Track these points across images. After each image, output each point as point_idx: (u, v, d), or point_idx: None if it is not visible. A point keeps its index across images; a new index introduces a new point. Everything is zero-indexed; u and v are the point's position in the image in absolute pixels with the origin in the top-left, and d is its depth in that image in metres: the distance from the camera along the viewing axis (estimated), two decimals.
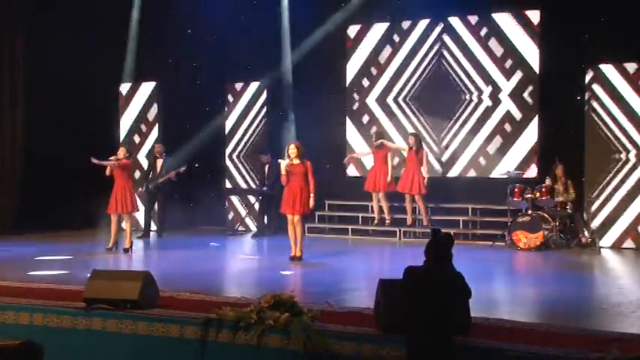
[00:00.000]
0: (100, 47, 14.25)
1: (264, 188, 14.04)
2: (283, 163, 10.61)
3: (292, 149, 10.64)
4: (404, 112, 14.37)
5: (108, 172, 11.81)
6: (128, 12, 14.86)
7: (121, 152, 11.90)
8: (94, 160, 11.61)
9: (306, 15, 14.01)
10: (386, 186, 13.21)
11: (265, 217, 14.23)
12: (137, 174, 14.56)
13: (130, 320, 6.97)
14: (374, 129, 14.16)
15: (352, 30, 14.78)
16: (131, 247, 11.87)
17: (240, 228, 14.66)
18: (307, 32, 14.37)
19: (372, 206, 13.64)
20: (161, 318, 6.92)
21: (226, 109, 15.07)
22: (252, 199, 14.65)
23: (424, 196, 13.03)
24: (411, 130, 14.02)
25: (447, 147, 14.03)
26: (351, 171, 14.81)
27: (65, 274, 9.58)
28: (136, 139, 15.23)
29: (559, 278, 9.69)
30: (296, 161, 10.59)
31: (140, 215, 13.90)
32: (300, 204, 10.60)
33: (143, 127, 15.23)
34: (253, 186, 14.69)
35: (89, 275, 7.48)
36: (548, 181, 12.14)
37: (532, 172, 13.19)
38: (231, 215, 14.93)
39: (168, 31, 14.59)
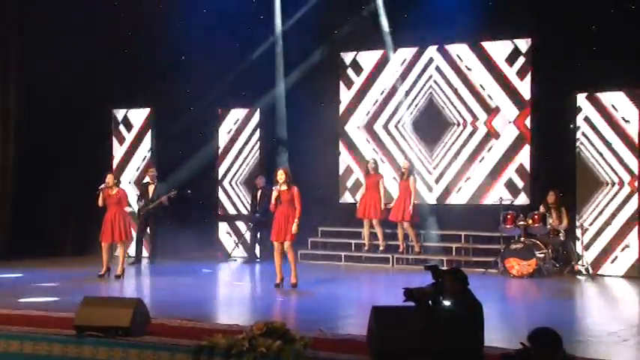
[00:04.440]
0: (93, 73, 14.32)
1: (256, 214, 14.05)
2: (274, 190, 10.63)
3: (280, 175, 10.64)
4: (395, 139, 14.45)
5: (100, 202, 11.86)
6: (123, 38, 14.95)
7: (110, 179, 11.92)
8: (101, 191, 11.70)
9: (299, 41, 14.13)
10: (379, 213, 13.28)
11: (257, 244, 14.23)
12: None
13: (121, 348, 6.93)
14: (371, 156, 14.17)
15: (345, 56, 14.89)
16: (123, 274, 11.86)
17: (232, 254, 14.65)
18: (301, 58, 14.49)
19: (362, 233, 13.68)
20: (152, 345, 6.90)
21: (219, 134, 15.12)
22: (243, 226, 14.65)
23: (413, 223, 13.12)
24: (402, 156, 14.12)
25: (439, 174, 14.09)
26: (344, 197, 14.86)
27: (56, 301, 9.56)
28: (129, 164, 15.25)
29: (551, 305, 9.72)
30: (283, 187, 10.58)
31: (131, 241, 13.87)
32: (286, 231, 10.56)
33: (136, 153, 15.25)
34: (245, 213, 14.70)
35: (80, 302, 7.48)
36: (541, 209, 12.22)
37: (524, 199, 13.25)
38: (223, 242, 14.93)
39: (161, 58, 14.67)
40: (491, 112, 13.70)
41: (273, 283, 10.78)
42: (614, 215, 12.12)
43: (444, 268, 5.89)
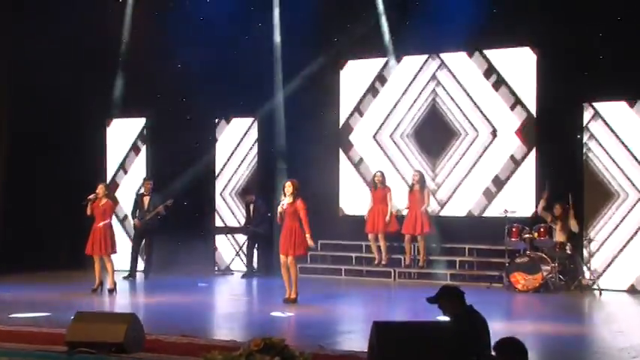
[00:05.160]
0: (87, 82, 14.33)
1: (251, 227, 14.02)
2: (281, 203, 10.61)
3: (288, 187, 10.64)
4: (399, 149, 14.43)
5: (89, 212, 11.81)
6: (116, 46, 14.96)
7: (100, 190, 11.87)
8: (88, 202, 11.65)
9: (298, 49, 14.11)
10: (385, 226, 13.24)
11: (255, 257, 14.20)
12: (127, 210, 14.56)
13: None
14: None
15: (346, 65, 14.88)
16: (115, 287, 11.80)
17: (230, 268, 14.59)
18: (300, 67, 14.47)
19: (366, 246, 13.68)
20: None
21: (216, 145, 15.10)
22: (241, 238, 14.61)
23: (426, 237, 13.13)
24: (406, 166, 14.10)
25: (441, 185, 14.05)
26: (345, 209, 14.82)
27: (47, 316, 9.49)
28: (123, 175, 15.22)
29: (559, 321, 9.66)
30: (289, 200, 10.58)
31: (126, 254, 13.82)
32: (292, 245, 10.56)
33: (131, 163, 15.23)
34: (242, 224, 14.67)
35: (72, 317, 7.42)
36: (548, 219, 12.18)
37: (530, 211, 13.21)
38: (220, 254, 14.88)
39: (157, 66, 14.66)
40: (495, 121, 13.67)
41: (282, 298, 10.75)
42: (622, 227, 12.08)
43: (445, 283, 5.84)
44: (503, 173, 13.60)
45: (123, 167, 15.30)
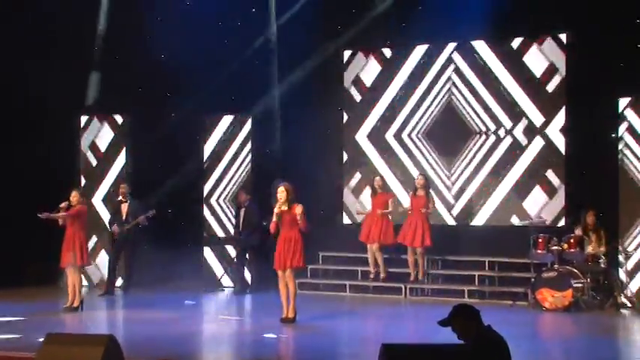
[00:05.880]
0: (56, 72, 14.29)
1: (241, 237, 14.04)
2: (275, 211, 10.59)
3: (281, 192, 10.59)
4: (408, 150, 14.46)
5: (61, 221, 11.82)
6: (91, 33, 14.95)
7: (74, 197, 11.88)
8: (43, 215, 11.63)
9: (297, 39, 14.10)
10: (379, 237, 13.27)
11: (247, 271, 14.21)
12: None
13: None
14: (377, 173, 14.10)
15: (350, 56, 14.90)
16: (81, 304, 11.82)
17: (220, 283, 14.60)
18: (299, 58, 14.48)
19: (367, 258, 13.67)
20: None
21: (205, 145, 15.11)
22: (232, 250, 14.60)
23: (427, 250, 13.10)
24: (414, 170, 14.13)
25: (458, 191, 14.06)
26: (348, 218, 14.82)
27: (16, 339, 9.48)
28: (103, 180, 15.22)
29: (591, 344, 9.64)
30: (284, 207, 10.56)
31: (103, 268, 13.81)
32: (290, 256, 10.55)
33: (105, 166, 15.22)
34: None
35: (43, 340, 7.40)
36: (577, 231, 12.16)
37: (558, 219, 13.18)
38: (209, 268, 14.87)
39: (138, 56, 14.65)
40: (519, 119, 13.67)
41: (279, 317, 10.74)
42: None
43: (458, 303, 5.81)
44: (527, 177, 13.60)
45: (100, 171, 15.26)
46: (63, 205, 11.80)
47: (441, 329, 6.00)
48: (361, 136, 14.81)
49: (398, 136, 14.55)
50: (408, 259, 13.32)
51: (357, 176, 14.82)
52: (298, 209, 10.47)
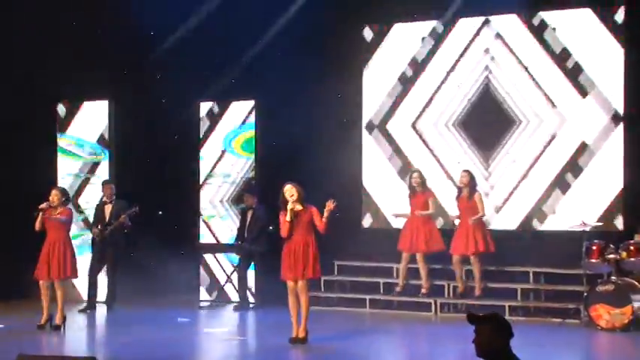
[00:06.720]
0: (33, 53, 14.31)
1: (245, 244, 14.06)
2: (289, 208, 10.54)
3: (291, 190, 10.61)
4: (438, 142, 14.44)
5: (38, 226, 11.83)
6: (69, 6, 14.92)
7: (55, 196, 11.90)
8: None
9: (310, 12, 14.11)
10: (425, 245, 13.18)
11: (250, 284, 14.21)
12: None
13: None
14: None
15: (371, 32, 14.87)
16: (64, 323, 11.81)
17: (219, 297, 14.56)
18: (311, 35, 14.37)
19: (397, 268, 13.64)
20: None
21: (201, 136, 15.05)
22: (234, 258, 14.57)
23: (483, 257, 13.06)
24: (445, 163, 14.19)
25: (495, 189, 14.02)
26: (368, 220, 14.82)
27: None
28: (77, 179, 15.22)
29: None
30: (299, 207, 10.58)
31: (82, 280, 13.76)
32: (305, 265, 10.57)
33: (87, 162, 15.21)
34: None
35: None
36: (638, 237, 12.06)
37: (616, 224, 13.14)
38: (206, 280, 14.82)
39: (123, 34, 14.62)
40: (566, 106, 13.61)
41: (289, 338, 10.75)
42: None
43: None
44: (580, 174, 13.55)
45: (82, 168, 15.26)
46: (43, 205, 11.76)
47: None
48: (381, 126, 14.75)
49: (427, 124, 14.51)
50: (454, 269, 13.20)
51: (378, 171, 14.74)
52: (315, 211, 10.52)
